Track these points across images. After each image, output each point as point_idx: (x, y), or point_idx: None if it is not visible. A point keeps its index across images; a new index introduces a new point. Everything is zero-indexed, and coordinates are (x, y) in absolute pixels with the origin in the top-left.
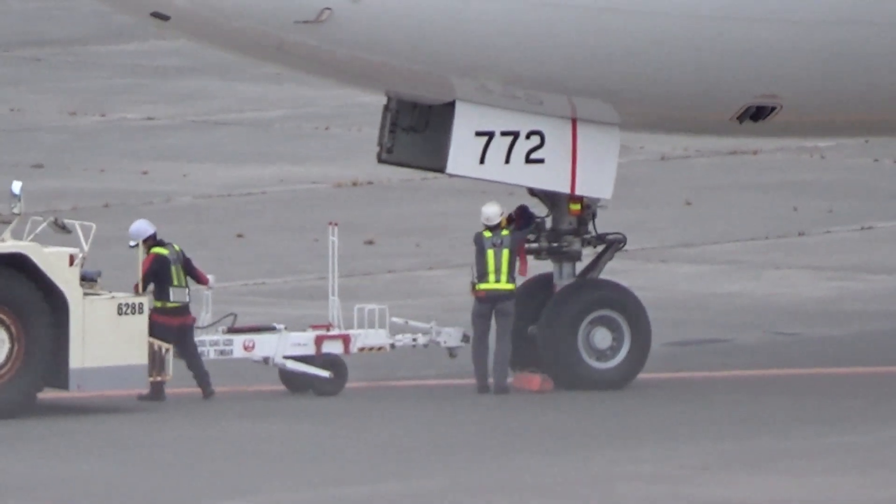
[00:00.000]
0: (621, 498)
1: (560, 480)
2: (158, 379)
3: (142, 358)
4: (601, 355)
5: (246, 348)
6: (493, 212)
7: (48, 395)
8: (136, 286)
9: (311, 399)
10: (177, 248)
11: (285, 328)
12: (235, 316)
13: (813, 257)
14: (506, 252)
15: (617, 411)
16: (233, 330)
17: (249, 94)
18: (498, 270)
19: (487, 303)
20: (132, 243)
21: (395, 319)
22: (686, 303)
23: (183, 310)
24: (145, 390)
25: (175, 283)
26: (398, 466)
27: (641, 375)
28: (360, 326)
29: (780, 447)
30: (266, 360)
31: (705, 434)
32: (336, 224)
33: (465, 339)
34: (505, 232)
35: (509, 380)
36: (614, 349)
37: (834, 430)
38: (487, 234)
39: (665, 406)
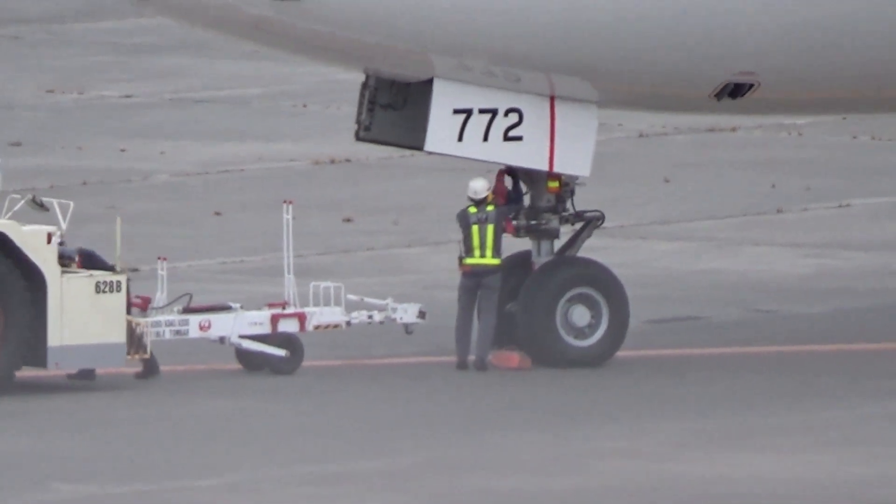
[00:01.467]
0: (599, 475)
1: (537, 458)
2: (137, 357)
3: (120, 336)
4: (579, 333)
5: (202, 328)
6: (480, 186)
7: (26, 373)
8: None
9: (285, 377)
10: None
11: (241, 307)
12: (191, 296)
13: (791, 234)
14: (490, 227)
15: (595, 389)
16: (188, 310)
17: (227, 71)
18: (483, 246)
19: (473, 278)
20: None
21: (350, 297)
22: (664, 280)
23: None
24: (138, 369)
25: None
26: (374, 444)
27: (620, 353)
28: (316, 304)
29: (757, 424)
30: (222, 340)
31: (683, 411)
32: (291, 202)
33: (422, 315)
34: (490, 207)
35: (489, 357)
36: (592, 327)
37: (812, 406)
38: (472, 209)
39: (643, 383)
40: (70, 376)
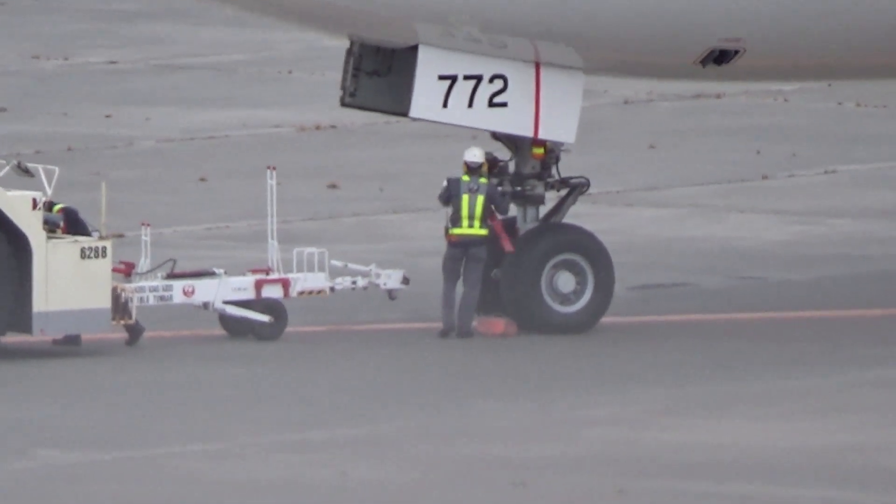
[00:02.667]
0: (583, 442)
1: (521, 424)
2: (122, 323)
3: (105, 302)
4: (564, 299)
5: (186, 293)
6: (478, 152)
7: (10, 339)
8: None
9: (269, 343)
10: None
11: (225, 273)
12: (175, 261)
13: (776, 201)
14: (481, 198)
15: (579, 355)
16: (172, 275)
17: (212, 38)
18: (472, 216)
19: (459, 247)
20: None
21: (334, 262)
22: (649, 247)
23: None
24: (124, 335)
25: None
26: (359, 410)
27: (604, 319)
28: (300, 270)
29: (741, 391)
30: (206, 306)
31: (667, 378)
32: (274, 168)
33: (405, 281)
34: (483, 179)
35: (474, 324)
36: (577, 293)
37: (795, 374)
38: (465, 178)
39: (628, 350)
40: (55, 342)
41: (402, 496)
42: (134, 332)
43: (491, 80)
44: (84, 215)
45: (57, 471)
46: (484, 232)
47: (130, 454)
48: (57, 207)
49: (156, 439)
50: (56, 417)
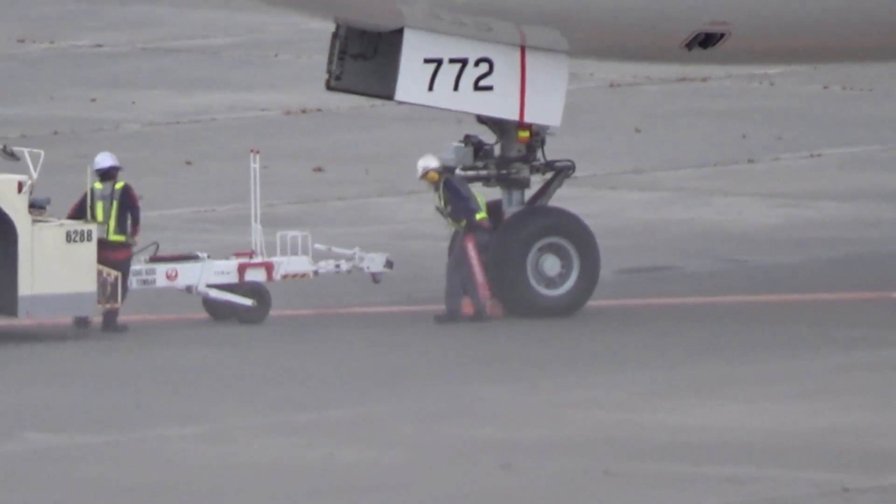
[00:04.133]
0: (570, 424)
1: (509, 407)
2: (108, 307)
3: (90, 285)
4: (550, 282)
5: (169, 277)
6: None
7: None
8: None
9: (257, 327)
10: (118, 185)
11: (208, 256)
12: (157, 245)
13: (762, 184)
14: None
15: (566, 338)
16: (155, 259)
17: (198, 21)
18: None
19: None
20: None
21: (318, 246)
22: (635, 230)
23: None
24: (93, 317)
25: (98, 218)
26: (348, 393)
27: (590, 303)
28: (284, 254)
29: (728, 374)
30: (189, 289)
31: (654, 361)
32: (258, 151)
33: (389, 264)
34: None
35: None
36: (563, 276)
37: (783, 356)
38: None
39: (614, 333)
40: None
41: (390, 478)
42: (109, 318)
43: (476, 64)
44: (70, 199)
45: (45, 453)
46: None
47: (118, 437)
48: (119, 185)
49: (144, 422)
50: (44, 400)
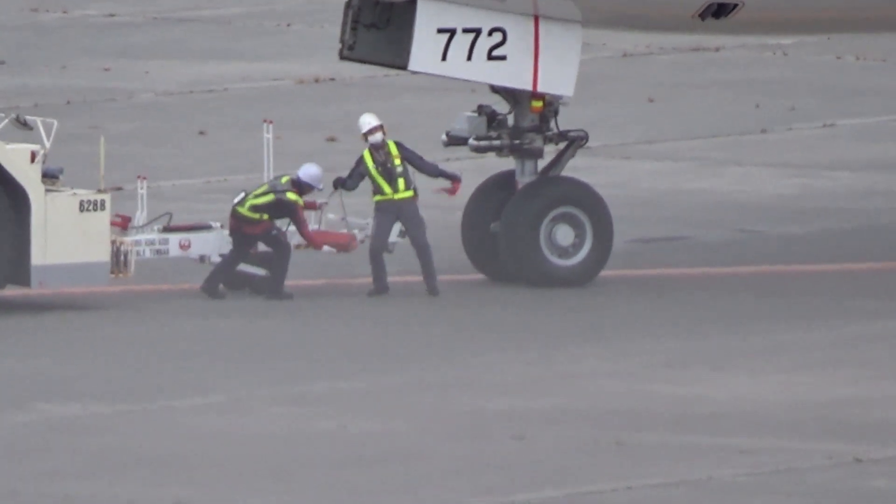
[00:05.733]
0: (583, 395)
1: (522, 377)
2: (121, 275)
3: (104, 255)
4: (563, 252)
5: (182, 247)
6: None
7: (9, 291)
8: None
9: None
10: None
11: (221, 226)
12: (171, 214)
13: (775, 155)
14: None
15: (579, 309)
16: (168, 229)
17: None
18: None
19: None
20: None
21: (330, 216)
22: (648, 200)
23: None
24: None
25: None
26: (359, 363)
27: (603, 273)
28: None
29: (741, 345)
30: (202, 259)
31: (667, 331)
32: (271, 122)
33: (402, 234)
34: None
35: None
36: (576, 246)
37: (796, 327)
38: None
39: (627, 303)
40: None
41: (402, 448)
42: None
43: (490, 34)
44: (83, 168)
45: (56, 424)
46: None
47: (130, 407)
48: (284, 179)
49: (155, 392)
50: (55, 371)
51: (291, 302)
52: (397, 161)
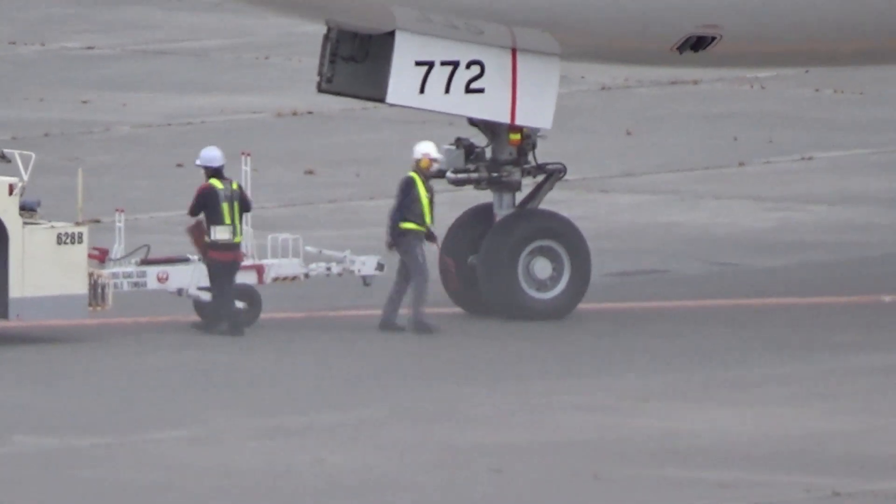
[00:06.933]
0: (560, 428)
1: (498, 410)
2: (98, 309)
3: (81, 287)
4: (541, 285)
5: (160, 280)
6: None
7: None
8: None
9: (248, 330)
10: (234, 185)
11: (199, 259)
12: (149, 247)
13: (753, 187)
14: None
15: (556, 342)
16: (146, 261)
17: (189, 23)
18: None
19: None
20: (198, 162)
21: (308, 248)
22: (626, 233)
23: (228, 247)
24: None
25: (224, 220)
26: (338, 396)
27: (581, 306)
28: (274, 256)
29: (719, 378)
30: (180, 292)
31: (645, 364)
32: (249, 154)
33: (380, 267)
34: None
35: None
36: (554, 279)
37: (773, 360)
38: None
39: (605, 336)
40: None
41: (380, 482)
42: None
43: (468, 66)
44: (61, 201)
45: (34, 457)
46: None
47: (107, 440)
48: (234, 185)
49: (133, 425)
50: (33, 403)
51: (269, 334)
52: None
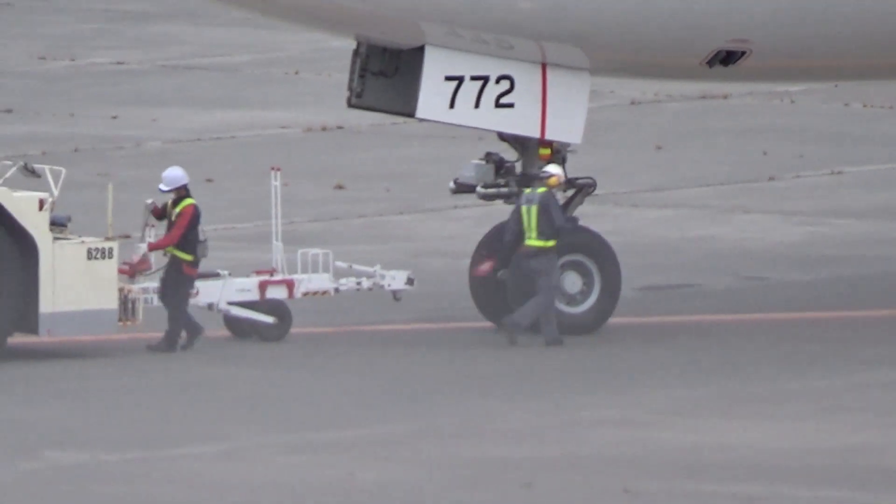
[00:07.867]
0: (590, 442)
1: (528, 426)
2: (128, 324)
3: (112, 302)
4: (571, 300)
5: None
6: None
7: (17, 339)
8: (169, 236)
9: (278, 345)
10: (540, 190)
11: (229, 274)
12: None
13: (783, 202)
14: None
15: (586, 356)
16: None
17: (219, 39)
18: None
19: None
20: (164, 188)
21: (339, 263)
22: (656, 247)
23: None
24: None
25: (199, 237)
26: (366, 411)
27: (611, 320)
28: (304, 271)
29: (749, 392)
30: (210, 307)
31: (674, 379)
32: (279, 169)
33: (410, 282)
34: (541, 189)
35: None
36: (584, 294)
37: (803, 374)
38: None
39: (634, 351)
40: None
41: (410, 497)
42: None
43: (497, 81)
44: (91, 216)
45: (63, 472)
46: (539, 243)
47: (137, 455)
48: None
49: (163, 440)
50: (62, 419)
51: (299, 349)
52: None
